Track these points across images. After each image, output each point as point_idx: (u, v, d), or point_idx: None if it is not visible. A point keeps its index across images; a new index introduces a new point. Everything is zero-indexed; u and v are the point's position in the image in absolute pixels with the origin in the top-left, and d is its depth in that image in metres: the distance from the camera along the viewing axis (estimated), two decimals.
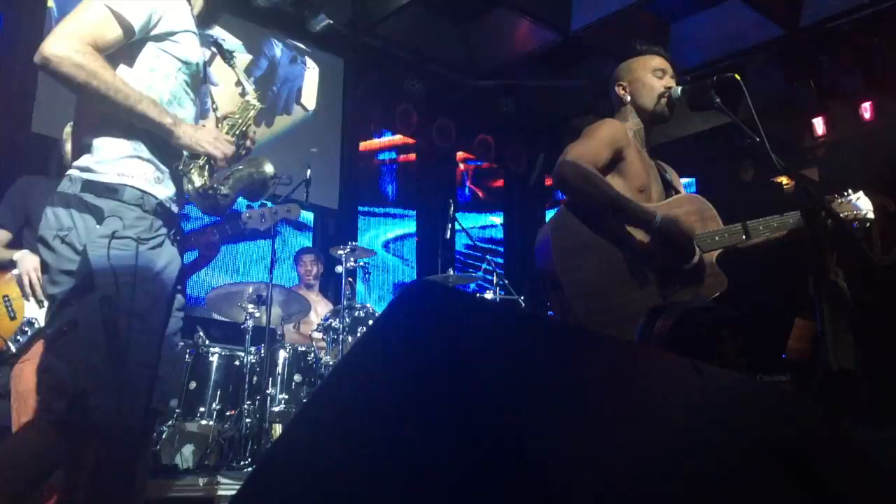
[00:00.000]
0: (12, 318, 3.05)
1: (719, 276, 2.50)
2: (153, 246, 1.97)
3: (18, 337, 3.01)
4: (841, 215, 2.53)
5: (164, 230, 2.01)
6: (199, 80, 2.18)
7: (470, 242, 7.01)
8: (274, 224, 3.00)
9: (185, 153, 2.05)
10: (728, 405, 1.29)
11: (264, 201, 2.92)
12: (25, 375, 2.95)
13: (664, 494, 0.93)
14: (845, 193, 2.58)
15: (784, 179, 2.52)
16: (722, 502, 1.02)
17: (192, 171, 2.05)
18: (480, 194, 8.11)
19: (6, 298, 3.07)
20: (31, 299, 3.02)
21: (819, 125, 6.52)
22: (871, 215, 2.54)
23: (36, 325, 3.01)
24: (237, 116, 2.21)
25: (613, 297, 2.34)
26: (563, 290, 2.34)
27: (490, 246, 8.00)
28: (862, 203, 2.56)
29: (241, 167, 2.23)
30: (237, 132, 2.19)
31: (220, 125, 2.18)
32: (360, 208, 6.86)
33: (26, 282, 2.97)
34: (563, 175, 2.40)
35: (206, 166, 2.06)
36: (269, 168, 2.24)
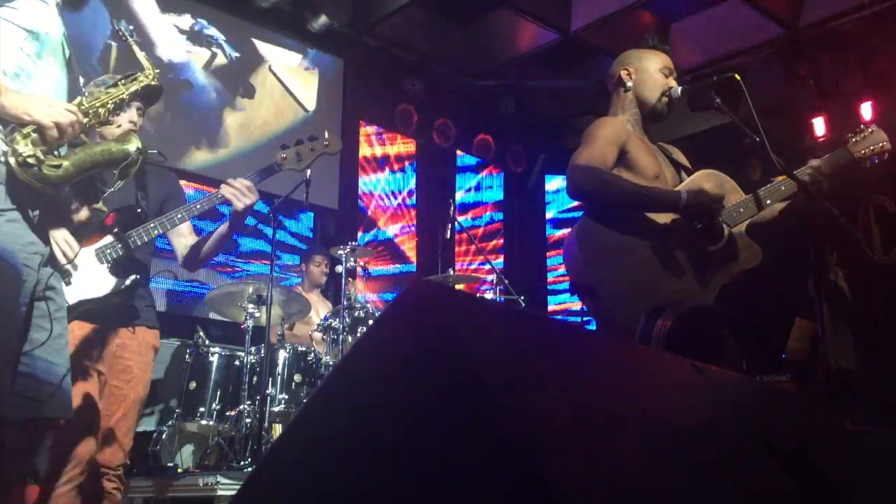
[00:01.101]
0: None
1: (752, 247, 2.48)
2: None
3: None
4: (861, 151, 2.54)
5: None
6: (59, 53, 2.06)
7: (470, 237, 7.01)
8: (312, 161, 2.70)
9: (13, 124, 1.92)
10: (728, 405, 1.29)
11: (301, 139, 2.66)
12: None
13: (665, 494, 0.93)
14: (858, 129, 2.58)
15: (783, 179, 2.52)
16: (722, 502, 1.02)
17: (16, 138, 1.89)
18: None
19: None
20: None
21: (819, 125, 6.51)
22: (888, 146, 2.53)
23: None
24: (122, 86, 2.13)
25: (654, 294, 2.32)
26: (602, 299, 2.32)
27: (489, 231, 7.97)
28: (878, 135, 2.55)
29: (99, 141, 2.13)
30: (109, 103, 2.08)
31: (86, 98, 2.07)
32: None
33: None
34: (576, 182, 2.37)
35: (35, 134, 1.92)
36: (133, 145, 2.09)
